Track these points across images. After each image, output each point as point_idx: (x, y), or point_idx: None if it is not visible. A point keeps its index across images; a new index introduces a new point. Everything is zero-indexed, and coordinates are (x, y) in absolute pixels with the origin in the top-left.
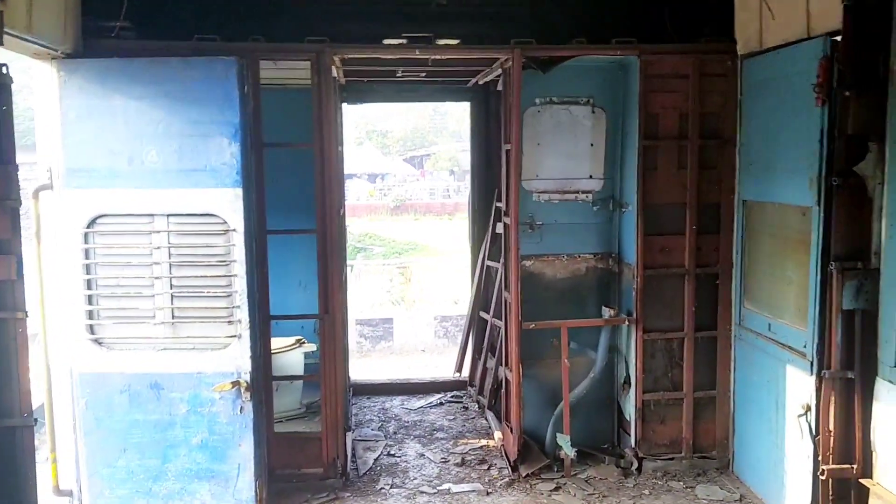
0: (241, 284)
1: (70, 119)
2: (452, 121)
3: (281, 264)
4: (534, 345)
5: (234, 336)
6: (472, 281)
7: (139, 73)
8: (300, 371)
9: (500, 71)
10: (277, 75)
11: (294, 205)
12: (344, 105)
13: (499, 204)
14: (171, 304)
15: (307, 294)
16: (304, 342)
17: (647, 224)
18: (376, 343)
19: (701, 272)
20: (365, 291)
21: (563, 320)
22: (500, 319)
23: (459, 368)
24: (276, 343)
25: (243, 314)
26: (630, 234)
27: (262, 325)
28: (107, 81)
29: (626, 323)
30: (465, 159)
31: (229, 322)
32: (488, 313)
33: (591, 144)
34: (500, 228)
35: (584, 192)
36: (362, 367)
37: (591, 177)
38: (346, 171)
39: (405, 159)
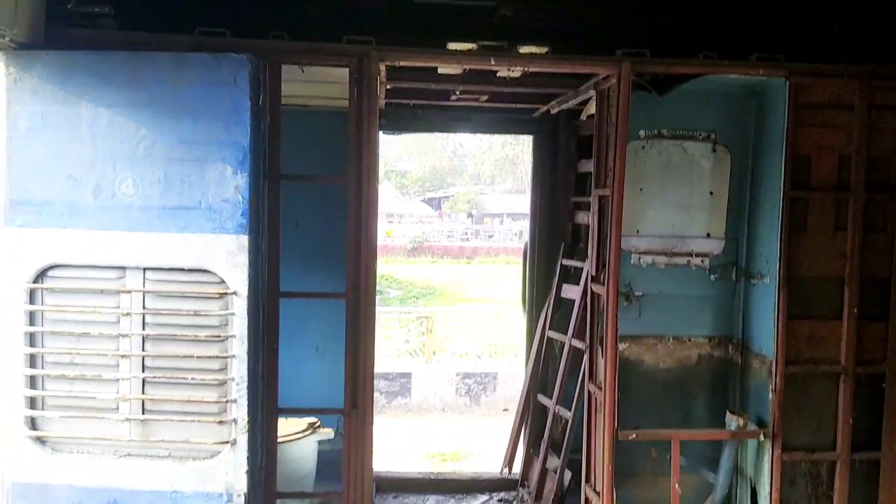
0: (239, 369)
1: (19, 131)
2: (472, 163)
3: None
4: (623, 454)
5: (226, 442)
6: (528, 356)
7: (116, 71)
8: (311, 465)
9: (584, 97)
10: (298, 91)
11: (312, 253)
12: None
13: (568, 262)
14: (143, 393)
15: (325, 363)
16: (318, 426)
17: (791, 303)
18: (392, 398)
19: (862, 371)
20: (380, 340)
21: (673, 430)
22: (568, 409)
23: (509, 464)
24: (282, 427)
25: (240, 411)
26: (764, 314)
27: (267, 424)
28: (71, 82)
29: (761, 437)
30: (485, 202)
31: (220, 422)
32: (549, 397)
33: (711, 193)
34: (568, 292)
35: (698, 254)
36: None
37: (708, 235)
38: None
39: (423, 200)
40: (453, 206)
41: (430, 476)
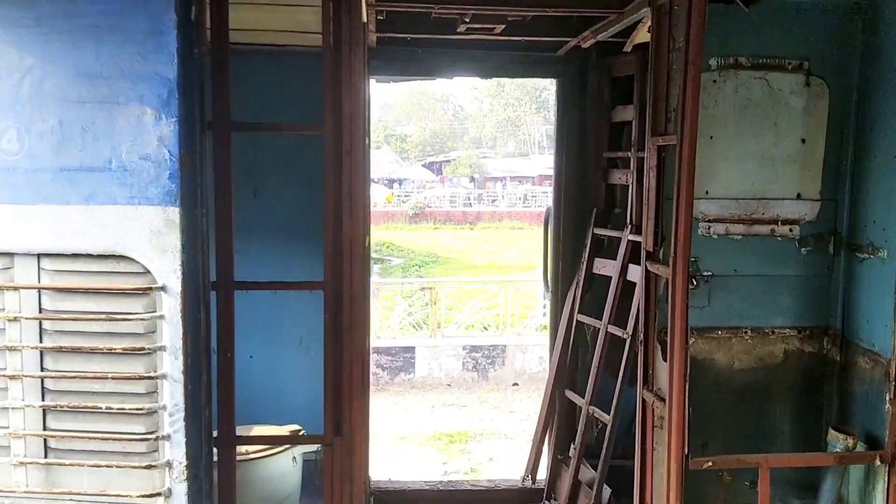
0: (173, 394)
1: None
2: (473, 126)
3: (267, 314)
4: (688, 478)
5: (157, 493)
6: (553, 344)
7: None
8: (294, 482)
9: (632, 18)
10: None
11: (281, 229)
12: (373, 82)
13: (601, 231)
14: (44, 427)
15: (311, 359)
16: (301, 433)
17: None
18: (395, 375)
19: None
20: (382, 313)
21: (762, 455)
22: (606, 411)
23: (533, 472)
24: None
25: (176, 450)
26: (878, 299)
27: (223, 459)
28: None
29: (878, 461)
30: (487, 165)
31: (149, 465)
32: (580, 394)
33: (803, 141)
34: (602, 268)
35: (785, 221)
36: (379, 404)
37: (799, 196)
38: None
39: (424, 165)
40: (455, 171)
41: (439, 487)
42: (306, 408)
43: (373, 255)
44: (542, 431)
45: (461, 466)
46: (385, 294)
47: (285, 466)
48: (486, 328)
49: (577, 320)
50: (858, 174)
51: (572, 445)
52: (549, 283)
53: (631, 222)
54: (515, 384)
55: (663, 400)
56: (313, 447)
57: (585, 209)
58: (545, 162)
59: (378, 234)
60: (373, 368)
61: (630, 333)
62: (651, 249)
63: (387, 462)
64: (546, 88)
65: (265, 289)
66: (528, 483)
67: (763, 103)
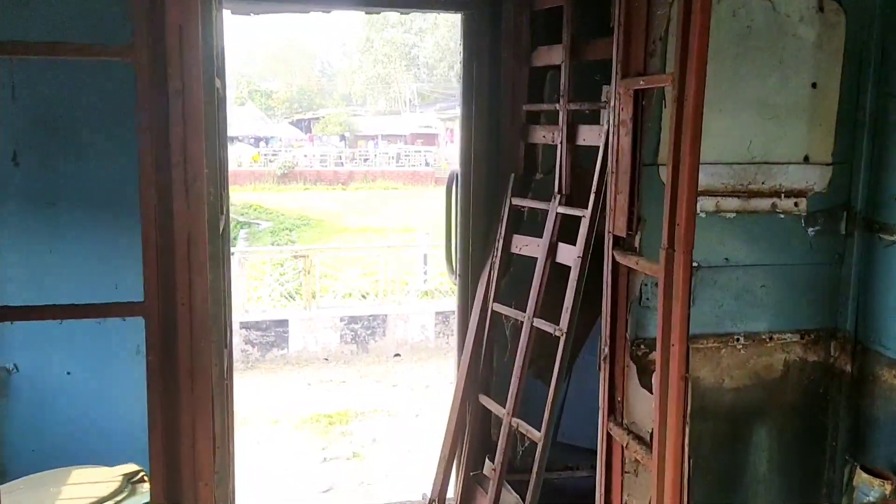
0: None
1: None
2: (342, 83)
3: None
4: None
5: None
6: (462, 339)
7: None
8: None
9: None
10: None
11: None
12: (227, 14)
13: (521, 202)
14: None
15: None
16: (142, 476)
17: None
18: (266, 351)
19: None
20: (250, 284)
21: None
22: (535, 426)
23: (441, 495)
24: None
25: None
26: None
27: None
28: None
29: None
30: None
31: None
32: (499, 402)
33: (814, 85)
34: (522, 246)
35: (790, 192)
36: (249, 385)
37: (807, 160)
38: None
39: (291, 122)
40: (324, 129)
41: None
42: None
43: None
44: (451, 444)
45: (342, 451)
46: (253, 263)
47: None
48: (364, 296)
49: (492, 310)
50: (880, 130)
51: (487, 460)
52: (454, 264)
53: (560, 191)
54: (397, 355)
55: (643, 442)
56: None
57: (500, 174)
58: (417, 120)
59: (244, 196)
60: (242, 345)
61: (564, 330)
62: (623, 234)
63: (258, 453)
64: (416, 45)
65: (33, 319)
66: (430, 501)
67: (766, 33)
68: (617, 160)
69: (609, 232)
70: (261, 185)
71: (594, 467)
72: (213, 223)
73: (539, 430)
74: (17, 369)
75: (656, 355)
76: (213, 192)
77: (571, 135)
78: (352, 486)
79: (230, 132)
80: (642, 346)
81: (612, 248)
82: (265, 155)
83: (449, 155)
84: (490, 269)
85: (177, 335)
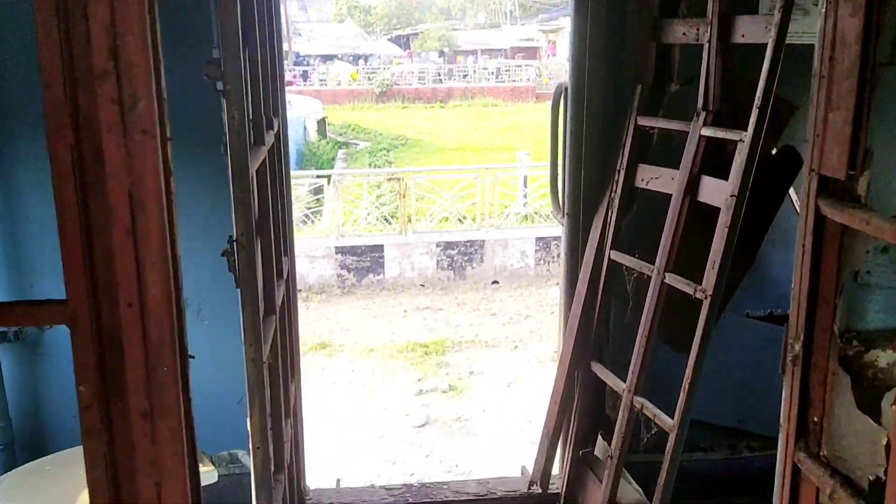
0: None
1: None
2: None
3: None
4: None
5: None
6: (566, 293)
7: None
8: None
9: None
10: None
11: None
12: None
13: (649, 122)
14: None
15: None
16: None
17: None
18: (362, 276)
19: None
20: (346, 208)
21: None
22: (666, 410)
23: (543, 477)
24: None
25: None
26: None
27: None
28: None
29: None
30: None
31: None
32: (617, 373)
33: None
34: (652, 180)
35: None
36: (344, 311)
37: None
38: (325, 51)
39: (390, 39)
40: (423, 45)
41: (407, 499)
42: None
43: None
44: (556, 419)
45: (438, 383)
46: (348, 185)
47: None
48: (461, 220)
49: (609, 259)
50: None
51: (600, 437)
52: (561, 200)
53: (707, 107)
54: (496, 282)
55: (857, 491)
56: (211, 482)
57: (622, 86)
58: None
59: (343, 115)
60: (337, 270)
61: (709, 292)
62: (840, 175)
63: (352, 382)
64: None
65: None
66: (536, 489)
67: None
68: (831, 57)
69: (811, 170)
70: (359, 103)
71: (732, 447)
72: (239, 160)
73: (671, 417)
74: (49, 325)
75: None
76: (238, 116)
77: (724, 29)
78: (448, 421)
79: (330, 50)
80: (858, 344)
81: (817, 196)
82: (364, 73)
83: (552, 68)
84: (608, 208)
85: (123, 354)
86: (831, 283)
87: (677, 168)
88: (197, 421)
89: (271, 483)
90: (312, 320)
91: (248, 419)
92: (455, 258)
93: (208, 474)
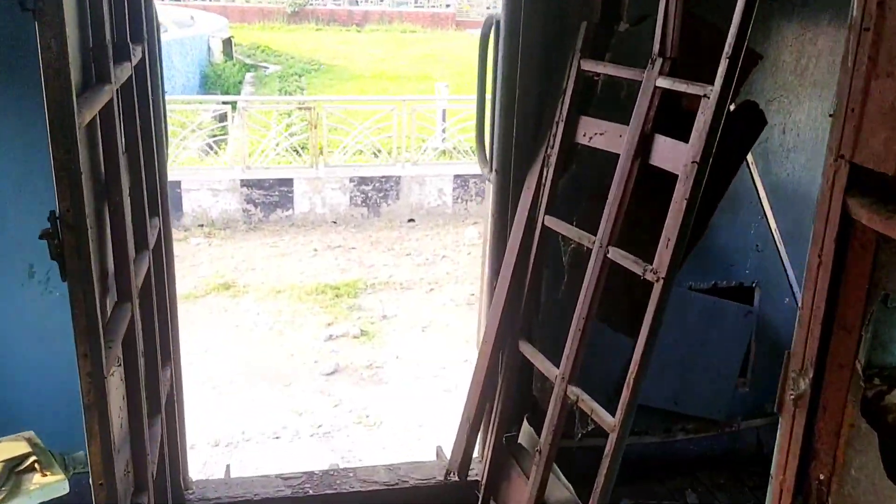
0: None
1: None
2: None
3: None
4: None
5: None
6: (493, 260)
7: None
8: None
9: None
10: None
11: None
12: None
13: (600, 67)
14: None
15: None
16: (33, 463)
17: None
18: (270, 212)
19: None
20: (253, 137)
21: None
22: (607, 407)
23: (462, 465)
24: None
25: None
26: None
27: None
28: None
29: None
30: None
31: None
32: (549, 356)
33: None
34: (595, 134)
35: None
36: (251, 249)
37: None
38: None
39: None
40: None
41: (307, 490)
42: (50, 395)
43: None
44: (477, 403)
45: (349, 328)
46: (254, 114)
47: None
48: (376, 154)
49: (542, 226)
50: None
51: (526, 422)
52: (488, 153)
53: (664, 53)
54: (412, 220)
55: None
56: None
57: (567, 21)
58: None
59: (252, 35)
60: (243, 205)
61: (662, 275)
62: (891, 170)
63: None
64: None
65: None
66: (453, 478)
67: None
68: (881, 2)
69: (837, 156)
70: (270, 23)
71: (667, 431)
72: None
73: (611, 414)
74: None
75: None
76: (57, 46)
77: None
78: (359, 369)
79: None
80: (880, 382)
81: (846, 193)
82: None
83: None
84: (543, 165)
85: None
86: (857, 308)
87: (626, 124)
88: (49, 412)
89: None
90: (216, 258)
91: (87, 448)
92: (369, 194)
93: (56, 485)
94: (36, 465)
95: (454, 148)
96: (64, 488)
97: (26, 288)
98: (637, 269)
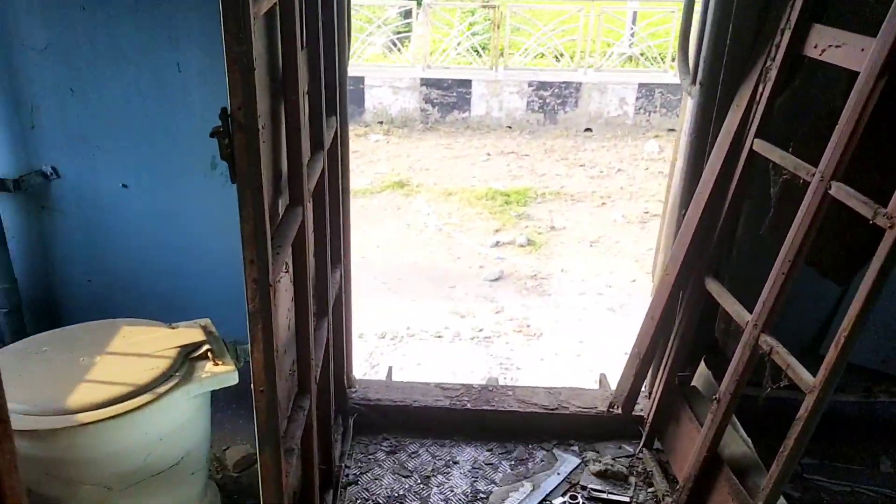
0: None
1: None
2: None
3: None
4: None
5: None
6: (682, 179)
7: None
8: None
9: None
10: None
11: None
12: None
13: None
14: None
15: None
16: (207, 350)
17: None
18: (447, 112)
19: None
20: (435, 35)
21: None
22: (807, 361)
23: (626, 402)
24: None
25: None
26: None
27: None
28: None
29: None
30: None
31: None
32: (742, 300)
33: None
34: (828, 46)
35: None
36: (425, 148)
37: None
38: None
39: None
40: None
41: (465, 403)
42: (227, 284)
43: None
44: (650, 339)
45: (516, 236)
46: (438, 13)
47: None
48: (558, 58)
49: (750, 150)
50: None
51: (703, 363)
52: (692, 62)
53: None
54: (588, 129)
55: None
56: (231, 372)
57: None
58: None
59: None
60: (421, 104)
61: None
62: None
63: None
64: None
65: None
66: (616, 411)
67: None
68: None
69: None
70: None
71: (867, 391)
72: None
73: (812, 373)
74: (56, 174)
75: None
76: None
77: None
78: (523, 279)
79: None
80: None
81: None
82: None
83: None
84: (759, 80)
85: None
86: None
87: (873, 35)
88: (225, 301)
89: (278, 432)
90: (392, 155)
91: (251, 352)
92: (547, 100)
93: (226, 376)
94: (209, 354)
95: (641, 54)
96: (234, 379)
97: (209, 179)
98: (866, 212)
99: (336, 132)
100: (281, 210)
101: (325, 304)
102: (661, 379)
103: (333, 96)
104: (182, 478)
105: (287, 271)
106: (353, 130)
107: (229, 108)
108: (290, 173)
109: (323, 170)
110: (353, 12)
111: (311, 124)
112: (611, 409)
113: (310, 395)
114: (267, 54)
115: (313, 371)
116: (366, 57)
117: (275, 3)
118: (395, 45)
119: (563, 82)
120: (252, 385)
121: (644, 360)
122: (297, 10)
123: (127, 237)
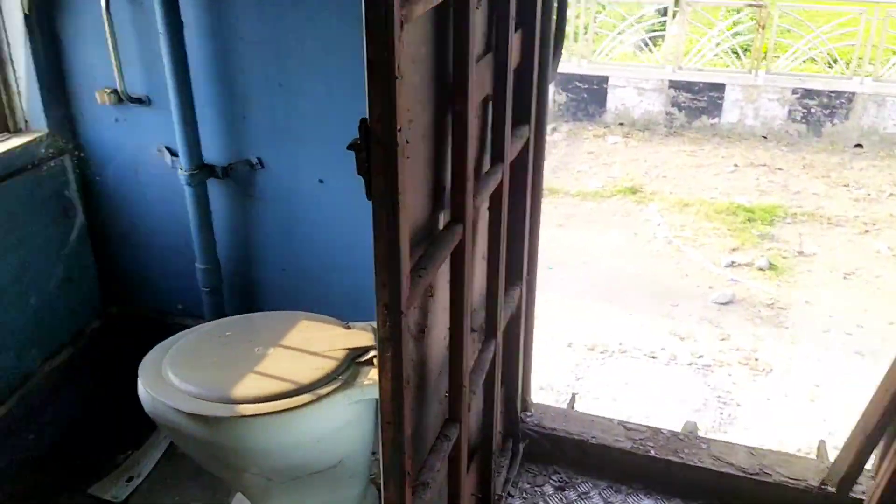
0: None
1: None
2: None
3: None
4: None
5: None
6: None
7: None
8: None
9: None
10: None
11: None
12: None
13: None
14: None
15: None
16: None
17: None
18: (694, 118)
19: None
20: (692, 35)
21: None
22: None
23: (845, 479)
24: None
25: None
26: None
27: None
28: None
29: None
30: None
31: None
32: None
33: None
34: None
35: None
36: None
37: None
38: None
39: None
40: None
41: (650, 450)
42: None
43: None
44: (884, 409)
45: (755, 258)
46: (698, 11)
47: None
48: (830, 64)
49: None
50: None
51: None
52: None
53: None
54: (859, 145)
55: None
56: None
57: None
58: None
59: None
60: (667, 107)
61: None
62: None
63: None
64: None
65: None
66: (830, 489)
67: None
68: None
69: None
70: None
71: None
72: None
73: None
74: (261, 165)
75: None
76: None
77: None
78: (757, 305)
79: None
80: None
81: None
82: None
83: None
84: None
85: None
86: None
87: None
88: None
89: (404, 468)
90: (629, 159)
91: (379, 381)
92: (812, 110)
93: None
94: (374, 360)
95: None
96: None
97: None
98: None
99: (528, 142)
100: (441, 224)
101: (493, 325)
102: (892, 457)
103: (527, 103)
104: (340, 479)
105: (431, 296)
106: (592, 131)
107: (368, 120)
108: (453, 188)
109: (501, 183)
110: (603, 9)
111: (492, 134)
112: (823, 486)
113: (459, 423)
114: (433, 59)
115: (465, 398)
116: (615, 56)
117: (444, 2)
118: (646, 44)
119: (834, 91)
120: (379, 416)
121: (872, 434)
122: (473, 11)
123: (319, 231)
